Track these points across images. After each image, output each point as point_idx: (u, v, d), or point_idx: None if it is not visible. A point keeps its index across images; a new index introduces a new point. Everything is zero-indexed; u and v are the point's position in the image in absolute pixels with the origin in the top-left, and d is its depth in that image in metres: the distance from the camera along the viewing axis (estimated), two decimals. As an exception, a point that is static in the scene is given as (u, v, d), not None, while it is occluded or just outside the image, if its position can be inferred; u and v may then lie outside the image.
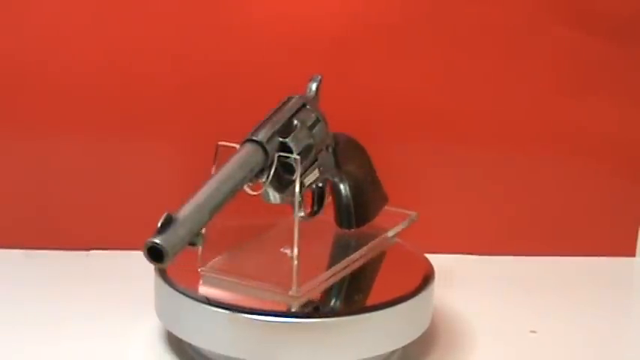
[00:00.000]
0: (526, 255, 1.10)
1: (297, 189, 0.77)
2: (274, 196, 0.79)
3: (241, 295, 0.78)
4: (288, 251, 0.78)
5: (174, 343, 0.85)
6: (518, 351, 0.88)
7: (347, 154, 0.87)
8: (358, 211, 0.90)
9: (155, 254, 0.66)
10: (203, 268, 0.81)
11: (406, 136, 1.06)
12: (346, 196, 0.89)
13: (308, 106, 0.82)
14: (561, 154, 1.09)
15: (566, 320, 0.95)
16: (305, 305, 0.78)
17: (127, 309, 0.91)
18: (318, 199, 0.87)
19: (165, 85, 1.03)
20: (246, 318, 0.74)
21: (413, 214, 0.94)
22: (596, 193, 1.11)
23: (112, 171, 1.05)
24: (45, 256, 1.05)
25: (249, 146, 0.76)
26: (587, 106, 1.08)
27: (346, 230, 0.90)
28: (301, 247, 0.77)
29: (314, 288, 0.79)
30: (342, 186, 0.89)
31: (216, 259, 0.83)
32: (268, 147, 0.76)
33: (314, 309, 0.78)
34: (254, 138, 0.76)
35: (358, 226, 0.91)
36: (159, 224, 0.67)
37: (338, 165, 0.86)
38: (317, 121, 0.82)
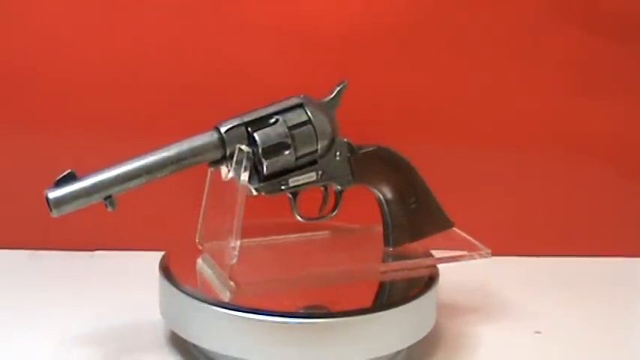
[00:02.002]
0: (532, 255, 1.10)
1: (242, 177, 0.78)
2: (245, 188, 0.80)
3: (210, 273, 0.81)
4: (231, 242, 0.79)
5: (179, 343, 0.85)
6: (523, 351, 0.88)
7: (367, 166, 0.85)
8: (395, 229, 0.87)
9: (49, 204, 0.76)
10: (200, 244, 0.85)
11: (411, 136, 1.05)
12: (385, 213, 0.87)
13: (307, 108, 0.82)
14: (568, 154, 1.09)
15: (571, 321, 0.95)
16: (311, 306, 0.78)
17: (131, 309, 0.91)
18: (333, 204, 0.86)
19: (169, 85, 1.04)
20: (251, 318, 0.74)
21: (485, 250, 0.87)
22: (603, 193, 1.11)
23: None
24: (49, 257, 1.06)
25: (207, 132, 0.79)
26: (595, 106, 1.08)
27: (387, 248, 0.88)
28: (316, 250, 0.85)
29: (260, 285, 0.80)
30: (381, 203, 0.87)
31: (221, 242, 0.84)
32: (226, 135, 0.79)
33: (318, 309, 0.78)
34: (217, 125, 0.79)
35: (395, 245, 0.87)
36: (57, 178, 0.76)
37: (353, 175, 0.84)
38: (305, 123, 0.81)
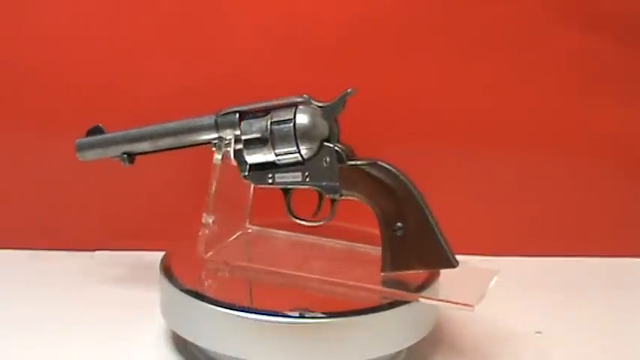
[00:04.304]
0: (532, 255, 1.10)
1: (215, 156, 0.84)
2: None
3: None
4: (203, 217, 0.83)
5: (180, 343, 0.85)
6: (524, 352, 0.88)
7: (354, 179, 0.81)
8: (383, 253, 0.81)
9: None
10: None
11: (412, 136, 1.06)
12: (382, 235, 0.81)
13: (299, 108, 0.82)
14: (568, 154, 1.09)
15: (572, 321, 0.95)
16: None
17: (132, 309, 0.91)
18: (326, 210, 0.84)
19: (170, 85, 1.04)
20: (252, 318, 0.75)
21: (468, 306, 0.78)
22: (604, 193, 1.10)
23: (116, 171, 1.05)
24: (50, 257, 1.06)
25: (208, 114, 0.86)
26: (596, 106, 1.08)
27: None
28: (318, 255, 0.87)
29: (221, 265, 0.84)
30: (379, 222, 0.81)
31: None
32: (220, 120, 0.85)
33: (318, 310, 0.78)
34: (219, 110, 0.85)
35: (382, 270, 0.81)
36: (87, 130, 0.91)
37: (340, 185, 0.82)
38: (287, 121, 0.81)
